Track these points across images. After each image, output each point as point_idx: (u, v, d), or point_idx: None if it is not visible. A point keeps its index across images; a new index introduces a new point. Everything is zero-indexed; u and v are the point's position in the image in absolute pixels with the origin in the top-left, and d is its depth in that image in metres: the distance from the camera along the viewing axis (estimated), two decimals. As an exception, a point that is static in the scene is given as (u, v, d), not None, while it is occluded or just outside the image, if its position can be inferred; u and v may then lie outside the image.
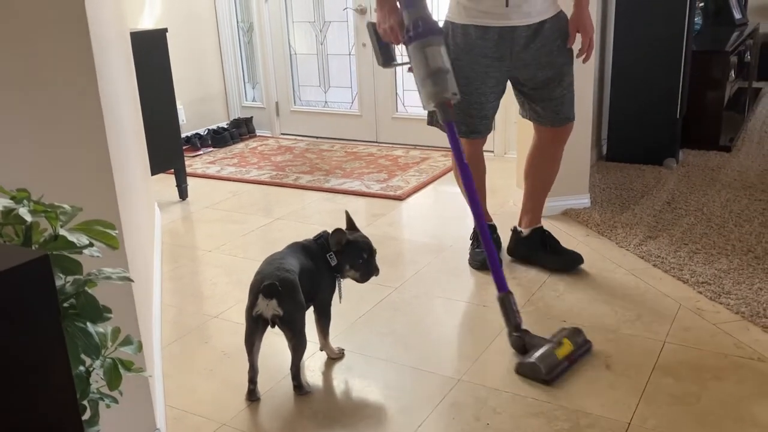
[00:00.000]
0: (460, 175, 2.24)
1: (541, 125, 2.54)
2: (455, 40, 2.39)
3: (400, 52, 2.37)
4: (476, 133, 2.53)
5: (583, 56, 2.42)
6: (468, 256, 2.76)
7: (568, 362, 2.01)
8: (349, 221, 2.15)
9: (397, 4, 2.26)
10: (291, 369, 1.97)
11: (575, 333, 2.09)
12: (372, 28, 2.33)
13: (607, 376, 1.97)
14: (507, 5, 2.30)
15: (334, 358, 2.14)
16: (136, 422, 1.65)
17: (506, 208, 3.22)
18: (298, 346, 1.95)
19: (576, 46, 2.43)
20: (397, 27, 2.23)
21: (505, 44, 2.36)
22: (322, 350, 2.16)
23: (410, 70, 2.23)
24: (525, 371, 1.99)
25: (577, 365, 2.01)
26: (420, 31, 2.13)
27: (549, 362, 1.96)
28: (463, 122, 2.46)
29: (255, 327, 1.93)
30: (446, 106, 2.16)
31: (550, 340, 2.06)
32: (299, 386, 1.97)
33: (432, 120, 2.48)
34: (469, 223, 3.29)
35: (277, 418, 1.88)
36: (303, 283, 1.97)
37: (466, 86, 2.39)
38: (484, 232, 2.18)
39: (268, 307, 1.87)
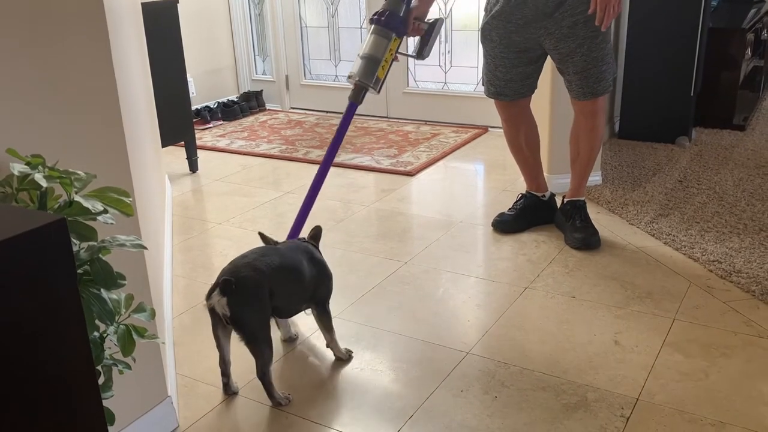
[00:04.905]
0: (329, 147, 2.33)
1: (572, 97, 2.59)
2: (491, 5, 2.53)
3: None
4: (502, 95, 2.65)
5: (602, 23, 2.35)
6: (478, 230, 2.76)
7: None
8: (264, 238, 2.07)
9: None
10: (257, 375, 1.81)
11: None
12: None
13: (615, 351, 1.98)
14: None
15: (341, 358, 2.00)
16: (147, 390, 1.67)
17: (517, 185, 3.20)
18: (255, 353, 1.79)
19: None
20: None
21: (530, 10, 2.42)
22: (328, 347, 2.02)
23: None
24: None
25: (580, 342, 2.03)
26: (381, 20, 2.31)
27: None
28: (490, 83, 2.65)
29: (213, 319, 1.82)
30: (358, 90, 2.30)
31: None
32: (270, 396, 1.81)
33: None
34: (478, 200, 3.29)
35: (286, 388, 1.90)
36: (287, 284, 1.86)
37: (492, 48, 2.57)
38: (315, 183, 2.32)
39: (219, 303, 1.76)
